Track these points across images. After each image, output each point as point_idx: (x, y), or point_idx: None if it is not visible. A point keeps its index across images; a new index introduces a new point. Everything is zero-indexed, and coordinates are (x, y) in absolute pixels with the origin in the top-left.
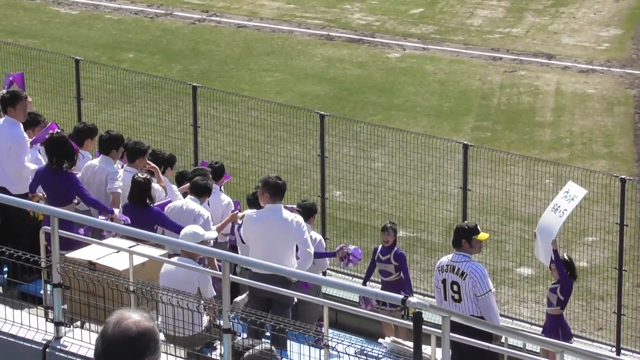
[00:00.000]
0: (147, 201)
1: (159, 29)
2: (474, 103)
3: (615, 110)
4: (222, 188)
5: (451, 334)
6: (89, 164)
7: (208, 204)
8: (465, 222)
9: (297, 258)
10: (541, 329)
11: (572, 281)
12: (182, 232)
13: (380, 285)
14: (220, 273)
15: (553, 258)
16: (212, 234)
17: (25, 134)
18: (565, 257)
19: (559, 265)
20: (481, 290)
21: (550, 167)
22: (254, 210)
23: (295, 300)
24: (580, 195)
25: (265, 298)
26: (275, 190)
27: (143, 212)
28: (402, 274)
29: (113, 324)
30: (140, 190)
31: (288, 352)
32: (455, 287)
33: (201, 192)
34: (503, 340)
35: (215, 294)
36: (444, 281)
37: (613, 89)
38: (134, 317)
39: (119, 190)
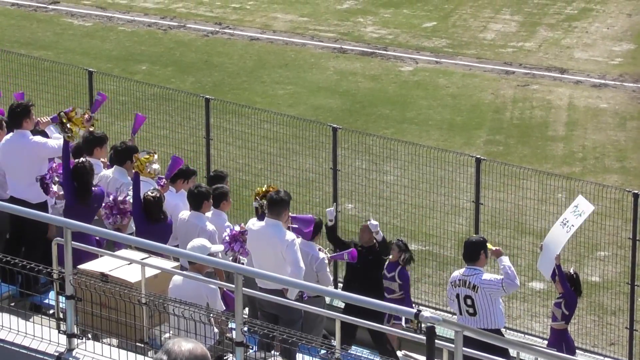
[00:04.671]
0: (162, 217)
1: (172, 41)
2: (487, 117)
3: (627, 125)
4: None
5: (465, 348)
6: (102, 174)
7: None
8: (474, 235)
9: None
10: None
11: (577, 296)
12: (190, 245)
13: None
14: (230, 285)
15: (556, 272)
16: (218, 247)
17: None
18: (571, 272)
19: (562, 280)
20: (500, 292)
21: (563, 181)
22: (257, 221)
23: (302, 315)
24: (588, 211)
25: (272, 314)
26: (269, 203)
27: (157, 226)
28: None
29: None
30: (151, 209)
31: None
32: (469, 301)
33: (198, 200)
34: (515, 354)
35: (224, 308)
36: (457, 296)
37: (626, 104)
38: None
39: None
